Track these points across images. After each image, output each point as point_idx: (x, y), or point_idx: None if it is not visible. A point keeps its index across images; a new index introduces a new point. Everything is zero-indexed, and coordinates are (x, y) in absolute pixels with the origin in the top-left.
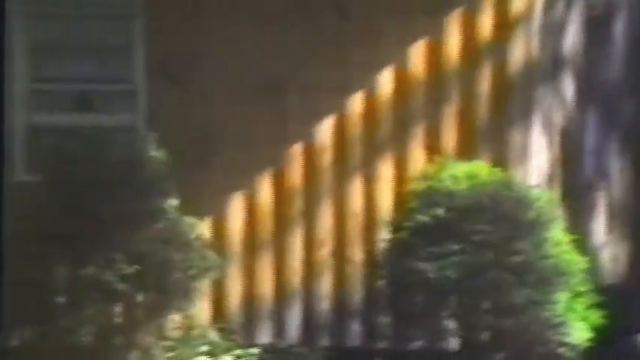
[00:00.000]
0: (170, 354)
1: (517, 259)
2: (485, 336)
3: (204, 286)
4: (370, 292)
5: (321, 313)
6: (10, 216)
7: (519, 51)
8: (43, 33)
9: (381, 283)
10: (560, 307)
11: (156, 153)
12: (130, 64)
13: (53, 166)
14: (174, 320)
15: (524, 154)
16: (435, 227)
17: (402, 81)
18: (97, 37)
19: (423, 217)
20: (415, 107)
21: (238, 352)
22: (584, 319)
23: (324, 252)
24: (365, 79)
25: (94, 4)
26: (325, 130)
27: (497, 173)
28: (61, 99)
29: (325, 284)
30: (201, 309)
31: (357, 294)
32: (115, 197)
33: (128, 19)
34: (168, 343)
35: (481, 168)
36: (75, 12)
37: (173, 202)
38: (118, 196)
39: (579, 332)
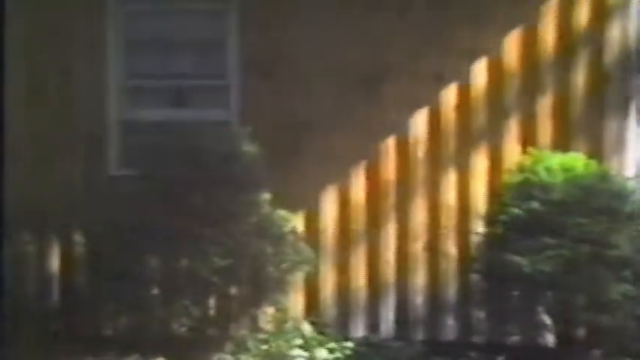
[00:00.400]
0: (264, 347)
1: (614, 253)
2: (581, 332)
3: (298, 279)
4: (465, 285)
5: (416, 307)
6: (106, 209)
7: (616, 39)
8: (138, 29)
9: (475, 276)
10: None
11: (249, 147)
12: (225, 59)
13: (148, 160)
14: (268, 313)
15: (620, 145)
16: (530, 221)
17: (497, 71)
18: (191, 32)
19: (517, 211)
20: (510, 98)
21: (332, 345)
22: None
23: (418, 245)
24: (459, 70)
25: (190, 0)
26: (419, 121)
27: (593, 165)
28: (155, 95)
29: (419, 278)
30: (295, 302)
31: (451, 287)
32: (209, 191)
33: (222, 14)
34: (262, 336)
35: (577, 160)
36: (169, 8)
37: (266, 195)
38: (212, 190)
39: None
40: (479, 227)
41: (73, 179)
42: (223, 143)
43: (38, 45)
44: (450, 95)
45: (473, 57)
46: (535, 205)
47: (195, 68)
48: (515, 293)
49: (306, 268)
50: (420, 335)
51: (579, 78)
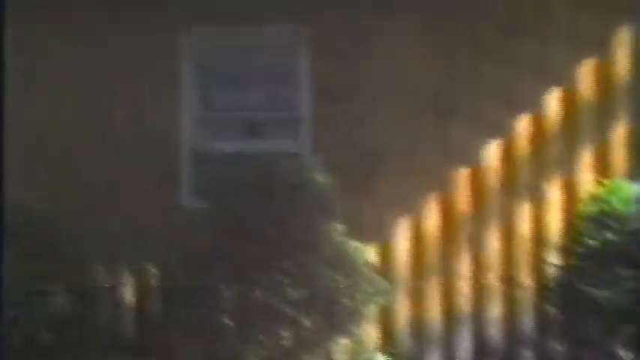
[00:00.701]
0: None
1: None
2: None
3: (373, 310)
4: (541, 316)
5: (492, 339)
6: (179, 239)
7: None
8: (211, 62)
9: (551, 308)
10: None
11: (322, 177)
12: (296, 90)
13: (222, 191)
14: (342, 344)
15: None
16: (605, 252)
17: (570, 100)
18: (263, 65)
19: (592, 242)
20: (583, 127)
21: None
22: None
23: (493, 276)
24: (532, 100)
25: (261, 34)
26: (492, 151)
27: None
28: (228, 126)
29: (495, 309)
30: (370, 334)
31: (527, 318)
32: (281, 222)
33: (293, 46)
34: None
35: None
36: (242, 41)
37: (339, 226)
38: (284, 221)
39: None
40: (554, 257)
41: (146, 210)
42: (295, 174)
43: (113, 76)
44: (523, 124)
45: (546, 85)
46: (610, 235)
47: (267, 100)
48: (592, 325)
49: (381, 299)
50: None
51: None
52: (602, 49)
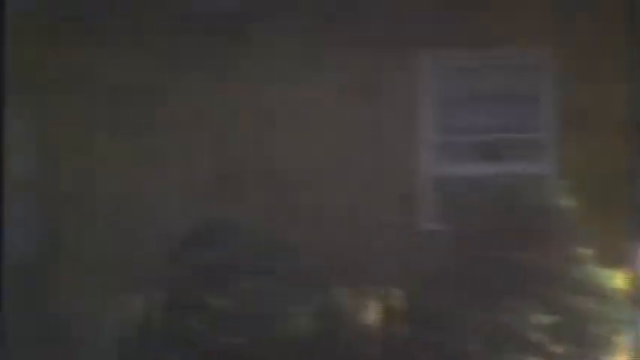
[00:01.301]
0: None
1: None
2: None
3: (623, 340)
4: None
5: None
6: (421, 263)
7: None
8: (449, 85)
9: None
10: None
11: (567, 201)
12: (537, 112)
13: (463, 214)
14: None
15: None
16: None
17: None
18: (502, 86)
19: None
20: None
21: None
22: None
23: None
24: None
25: (501, 57)
26: None
27: None
28: (467, 149)
29: None
30: None
31: None
32: (526, 246)
33: (534, 67)
34: None
35: None
36: (480, 63)
37: (586, 251)
38: (529, 245)
39: None
40: None
41: (386, 233)
42: (540, 197)
43: (351, 98)
44: None
45: None
46: None
47: (507, 123)
48: None
49: (632, 328)
50: None
51: None
52: None
